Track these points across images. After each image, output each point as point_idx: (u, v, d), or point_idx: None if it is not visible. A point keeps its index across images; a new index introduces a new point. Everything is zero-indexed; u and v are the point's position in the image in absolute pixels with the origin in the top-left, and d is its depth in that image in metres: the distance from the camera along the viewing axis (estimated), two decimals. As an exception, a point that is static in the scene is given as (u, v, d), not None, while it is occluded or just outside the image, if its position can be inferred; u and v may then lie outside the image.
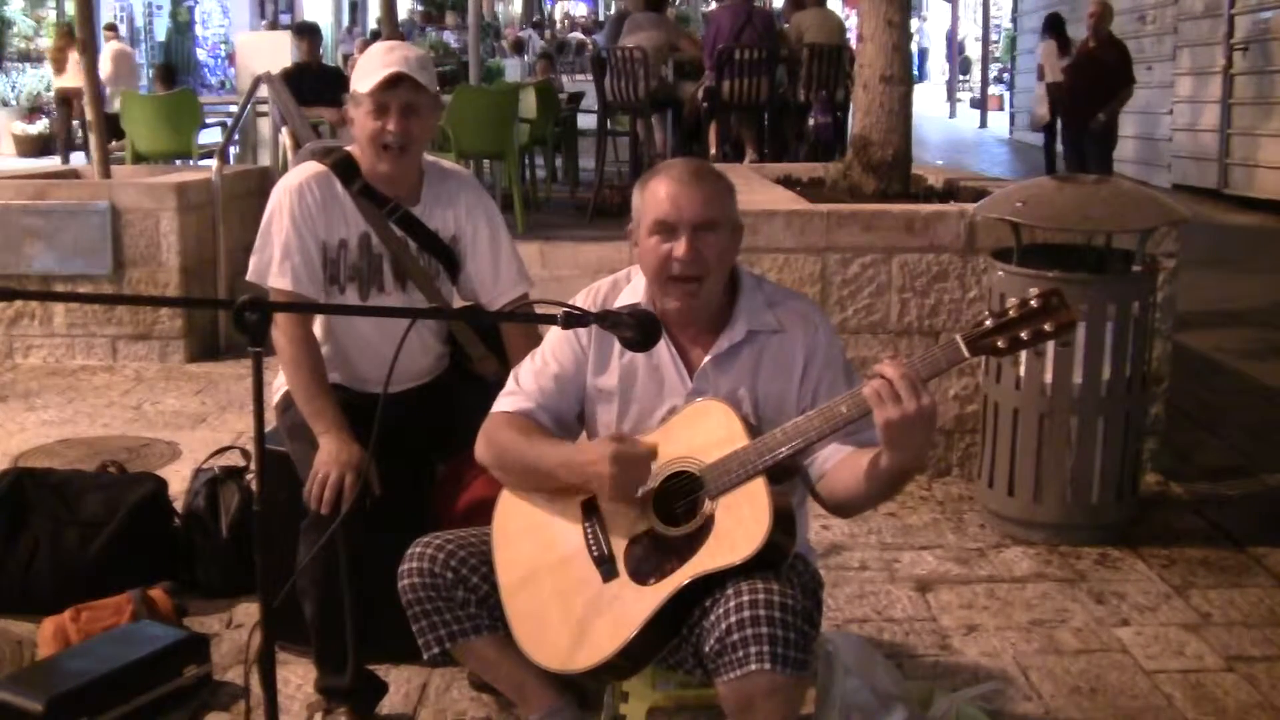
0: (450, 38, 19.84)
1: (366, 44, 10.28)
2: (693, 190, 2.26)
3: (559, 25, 32.46)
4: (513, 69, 17.37)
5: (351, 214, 2.90)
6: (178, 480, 4.02)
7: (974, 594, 3.56)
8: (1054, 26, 13.14)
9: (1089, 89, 10.75)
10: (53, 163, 13.50)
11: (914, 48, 9.63)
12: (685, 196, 2.25)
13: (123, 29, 21.43)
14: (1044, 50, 13.39)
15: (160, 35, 24.71)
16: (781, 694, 2.04)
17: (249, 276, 2.92)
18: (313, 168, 2.92)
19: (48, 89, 18.14)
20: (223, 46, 25.45)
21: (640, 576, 2.17)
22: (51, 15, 19.78)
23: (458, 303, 3.08)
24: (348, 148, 2.94)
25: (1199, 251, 8.65)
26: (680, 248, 2.24)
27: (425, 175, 2.97)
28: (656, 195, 2.28)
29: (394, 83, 2.77)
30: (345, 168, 2.89)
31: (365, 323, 2.95)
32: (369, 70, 2.80)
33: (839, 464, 2.24)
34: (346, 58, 16.53)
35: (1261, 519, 4.17)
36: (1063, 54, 12.52)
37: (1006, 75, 21.34)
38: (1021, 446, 3.89)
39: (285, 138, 7.33)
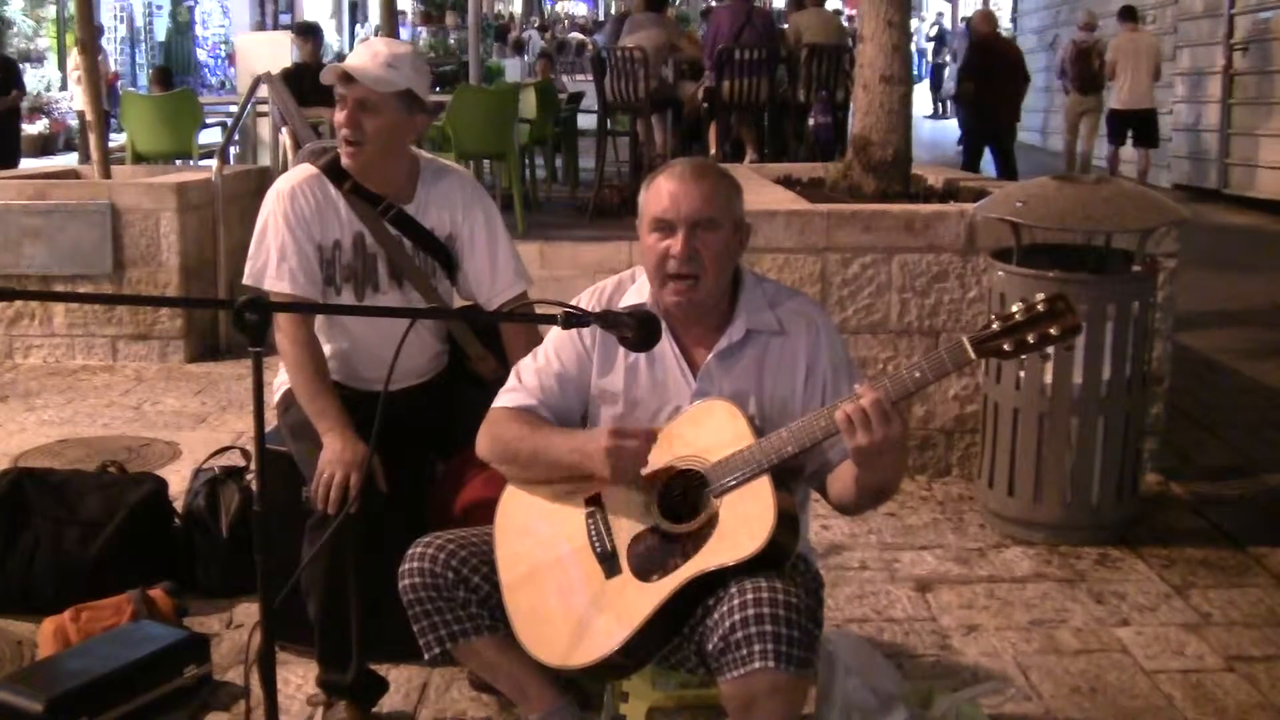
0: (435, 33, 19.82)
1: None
2: (692, 188, 2.26)
3: (559, 25, 32.48)
4: (513, 69, 17.40)
5: (345, 214, 2.89)
6: (178, 480, 4.02)
7: (974, 594, 3.56)
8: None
9: (984, 87, 11.16)
10: (57, 162, 13.49)
11: (914, 48, 9.64)
12: (684, 194, 2.25)
13: (122, 29, 21.43)
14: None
15: (160, 35, 24.71)
16: (784, 693, 2.04)
17: (245, 281, 2.91)
18: (304, 170, 2.92)
19: (47, 89, 18.15)
20: (223, 47, 25.45)
21: (643, 573, 2.17)
22: (52, 13, 19.77)
23: (456, 301, 3.07)
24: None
25: (1199, 251, 8.65)
26: (676, 245, 2.24)
27: (420, 174, 2.96)
28: (658, 192, 2.28)
29: (345, 78, 2.77)
30: (336, 169, 2.89)
31: (361, 323, 2.94)
32: None
33: (842, 465, 2.25)
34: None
35: (1261, 519, 4.17)
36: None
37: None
38: (1021, 446, 3.89)
39: (285, 138, 7.32)
